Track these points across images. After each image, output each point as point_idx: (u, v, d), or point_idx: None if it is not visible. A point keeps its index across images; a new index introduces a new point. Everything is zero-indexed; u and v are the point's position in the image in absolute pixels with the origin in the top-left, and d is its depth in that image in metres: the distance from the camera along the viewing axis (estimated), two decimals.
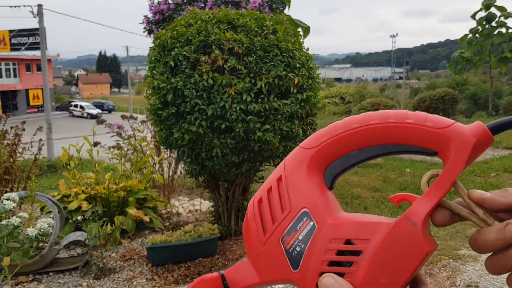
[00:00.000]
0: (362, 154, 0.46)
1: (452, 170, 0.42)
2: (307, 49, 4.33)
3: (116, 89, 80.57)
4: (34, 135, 6.00)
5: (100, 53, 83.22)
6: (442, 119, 0.43)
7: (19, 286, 3.42)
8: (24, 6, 13.91)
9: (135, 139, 5.57)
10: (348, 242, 0.44)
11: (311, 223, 0.45)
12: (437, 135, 0.43)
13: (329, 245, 0.44)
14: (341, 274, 0.43)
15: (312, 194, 0.47)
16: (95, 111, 34.21)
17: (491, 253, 0.42)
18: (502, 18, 7.44)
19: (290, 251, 0.45)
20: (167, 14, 6.06)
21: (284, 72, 3.84)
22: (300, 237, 0.45)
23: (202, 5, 5.72)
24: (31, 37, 20.99)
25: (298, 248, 0.45)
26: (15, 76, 33.06)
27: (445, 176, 0.42)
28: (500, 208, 0.42)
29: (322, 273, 0.44)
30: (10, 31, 21.48)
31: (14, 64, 32.77)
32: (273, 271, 0.47)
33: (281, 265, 0.46)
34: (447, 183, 0.42)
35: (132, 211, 4.47)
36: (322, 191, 0.47)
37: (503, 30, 7.42)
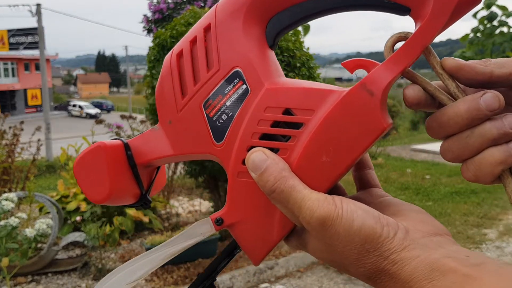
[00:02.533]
0: (317, 3, 0.37)
1: (426, 32, 0.34)
2: (308, 48, 4.31)
3: (115, 89, 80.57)
4: (32, 135, 5.97)
5: (99, 52, 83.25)
6: None
7: (18, 287, 3.39)
8: (23, 5, 13.89)
9: None
10: (287, 112, 0.36)
11: (244, 86, 0.37)
12: None
13: (264, 114, 0.36)
14: (274, 150, 0.36)
15: (248, 50, 0.37)
16: (94, 111, 34.19)
17: (448, 136, 0.36)
18: (503, 18, 7.41)
19: (214, 119, 0.38)
20: (167, 13, 6.04)
21: (284, 72, 3.80)
22: (227, 103, 0.37)
23: (202, 4, 5.70)
24: (30, 36, 20.98)
25: (224, 116, 0.37)
26: (13, 75, 33.02)
27: (416, 39, 0.34)
28: (478, 79, 0.35)
29: (252, 147, 0.36)
30: (9, 31, 21.46)
31: (12, 64, 32.73)
32: (190, 142, 0.39)
33: (201, 135, 0.38)
34: (417, 48, 0.34)
35: (131, 211, 4.46)
36: (261, 49, 0.38)
37: (505, 29, 7.39)
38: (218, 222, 0.39)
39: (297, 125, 0.36)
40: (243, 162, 0.37)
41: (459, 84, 0.36)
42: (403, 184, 6.60)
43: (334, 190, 0.40)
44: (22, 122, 5.86)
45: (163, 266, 3.85)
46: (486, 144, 0.34)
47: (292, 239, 0.39)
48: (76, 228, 4.37)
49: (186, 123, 0.39)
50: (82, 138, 5.21)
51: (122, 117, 5.92)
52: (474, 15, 7.74)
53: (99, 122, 5.40)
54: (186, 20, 4.21)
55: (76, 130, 18.29)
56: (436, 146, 8.36)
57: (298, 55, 4.15)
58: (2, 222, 2.97)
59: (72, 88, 70.79)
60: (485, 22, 7.63)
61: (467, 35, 7.86)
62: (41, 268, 3.65)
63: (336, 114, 0.35)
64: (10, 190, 5.04)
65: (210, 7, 5.17)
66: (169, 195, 5.88)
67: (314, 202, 0.34)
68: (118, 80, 78.83)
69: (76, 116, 34.41)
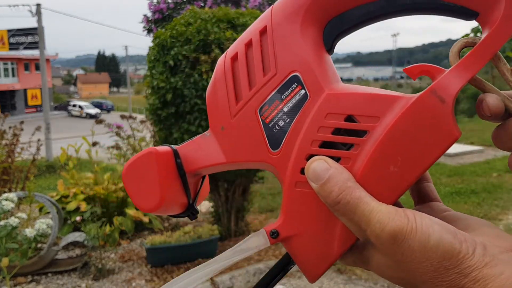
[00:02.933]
0: (381, 6, 0.35)
1: (497, 38, 0.32)
2: None
3: (115, 89, 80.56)
4: (32, 135, 5.97)
5: (99, 52, 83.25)
6: None
7: (18, 287, 3.39)
8: (23, 5, 13.88)
9: (134, 139, 5.54)
10: (350, 119, 0.34)
11: (302, 91, 0.35)
12: None
13: (324, 121, 0.34)
14: (335, 159, 0.34)
15: (306, 54, 0.35)
16: (94, 111, 34.19)
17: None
18: None
19: (270, 125, 0.36)
20: (167, 13, 6.03)
21: None
22: (285, 109, 0.35)
23: (202, 4, 5.70)
24: (30, 36, 20.98)
25: (281, 123, 0.35)
26: (13, 75, 33.02)
27: (486, 45, 0.32)
28: None
29: (311, 156, 0.34)
30: (9, 31, 21.46)
31: (12, 64, 32.73)
32: (244, 150, 0.37)
33: (256, 143, 0.36)
34: (487, 55, 0.32)
35: (131, 211, 4.46)
36: (319, 53, 0.36)
37: None
38: (274, 235, 0.37)
39: (360, 133, 0.34)
40: (302, 172, 0.35)
41: None
42: None
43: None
44: (22, 122, 5.86)
45: (162, 266, 3.85)
46: None
47: (350, 254, 0.37)
48: (76, 228, 4.36)
49: (240, 129, 0.37)
50: (82, 138, 5.21)
51: (122, 117, 5.91)
52: None
53: (99, 122, 5.40)
54: (186, 20, 4.20)
55: (76, 130, 18.29)
56: None
57: None
58: (2, 222, 2.97)
59: (72, 88, 70.77)
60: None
61: (467, 35, 7.88)
62: (41, 268, 3.64)
63: (404, 121, 0.32)
64: (10, 190, 5.04)
65: (210, 7, 5.17)
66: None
67: (385, 215, 0.31)
68: (118, 80, 78.81)
69: (76, 116, 34.40)
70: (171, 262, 3.82)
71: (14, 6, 14.91)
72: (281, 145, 0.36)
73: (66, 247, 4.19)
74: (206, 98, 0.39)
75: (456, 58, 0.34)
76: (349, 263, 0.37)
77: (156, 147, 0.37)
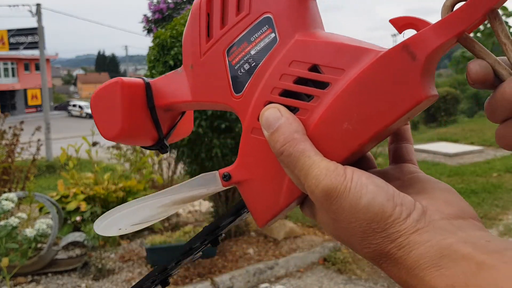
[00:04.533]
0: None
1: None
2: None
3: None
4: (32, 135, 5.97)
5: (99, 52, 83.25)
6: None
7: (18, 287, 3.39)
8: (23, 5, 13.89)
9: None
10: (314, 68, 0.32)
11: (272, 35, 0.34)
12: None
13: (288, 68, 0.33)
14: (294, 109, 0.33)
15: None
16: None
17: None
18: (504, 17, 7.47)
19: (235, 67, 0.35)
20: (167, 13, 6.03)
21: None
22: (252, 52, 0.34)
23: None
24: (30, 36, 20.97)
25: (246, 66, 0.34)
26: (13, 75, 33.02)
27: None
28: None
29: (270, 103, 0.34)
30: (9, 31, 21.46)
31: (12, 64, 32.73)
32: (209, 90, 0.36)
33: (220, 84, 0.35)
34: (481, 9, 0.29)
35: None
36: None
37: None
38: (226, 177, 0.37)
39: (323, 85, 0.32)
40: (259, 118, 0.34)
41: None
42: None
43: (364, 162, 0.38)
44: (22, 122, 5.86)
45: None
46: None
47: (305, 206, 0.36)
48: (76, 228, 4.36)
49: (207, 69, 0.36)
50: (82, 138, 5.21)
51: None
52: None
53: None
54: (186, 20, 4.20)
55: (76, 130, 18.28)
56: (436, 146, 8.36)
57: None
58: (2, 222, 2.97)
59: (72, 88, 70.75)
60: (486, 22, 7.63)
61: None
62: (41, 268, 3.64)
63: (367, 76, 0.30)
64: (10, 190, 5.04)
65: None
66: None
67: (322, 171, 0.30)
68: None
69: (76, 116, 34.39)
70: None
71: (14, 6, 14.91)
72: (243, 89, 0.35)
73: (66, 247, 4.19)
74: (183, 34, 0.38)
75: (448, 13, 0.30)
76: (307, 214, 0.37)
77: (126, 78, 0.38)
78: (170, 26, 4.23)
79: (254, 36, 0.34)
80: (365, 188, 0.30)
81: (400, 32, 0.32)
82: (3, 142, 5.57)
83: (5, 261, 2.88)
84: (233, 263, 3.65)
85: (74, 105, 36.07)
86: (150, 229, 4.69)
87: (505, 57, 0.31)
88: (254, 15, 0.34)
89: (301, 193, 0.35)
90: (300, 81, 0.33)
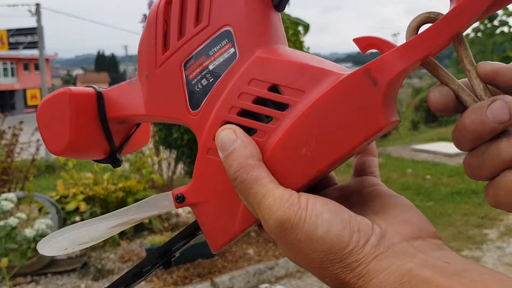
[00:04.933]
0: None
1: (462, 15, 0.27)
2: (308, 48, 4.30)
3: None
4: (32, 135, 5.96)
5: (98, 52, 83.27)
6: None
7: (17, 287, 3.38)
8: (22, 5, 13.88)
9: None
10: (274, 88, 0.31)
11: (232, 49, 0.32)
12: None
13: (247, 87, 0.31)
14: (251, 130, 0.32)
15: (244, 7, 0.32)
16: None
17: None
18: (504, 17, 7.44)
19: (193, 82, 0.33)
20: None
21: None
22: (210, 66, 0.32)
23: None
24: (29, 36, 20.95)
25: (204, 81, 0.32)
26: (12, 75, 33.03)
27: (447, 22, 0.27)
28: None
29: (227, 123, 0.32)
30: (8, 30, 21.43)
31: (11, 64, 32.74)
32: (164, 104, 0.34)
33: (176, 99, 0.33)
34: (446, 33, 0.27)
35: None
36: (263, 8, 0.32)
37: (505, 29, 7.43)
38: (179, 199, 0.35)
39: (283, 106, 0.31)
40: (215, 138, 0.32)
41: (488, 86, 0.30)
42: (403, 185, 6.59)
43: (324, 179, 0.37)
44: (21, 122, 5.85)
45: None
46: (502, 166, 0.28)
47: (264, 230, 0.35)
48: None
49: (162, 82, 0.34)
50: None
51: None
52: None
53: None
54: None
55: None
56: (436, 146, 8.35)
57: None
58: (2, 222, 2.96)
59: None
60: (486, 21, 7.64)
61: (467, 34, 7.88)
62: (41, 268, 3.63)
63: (327, 100, 0.29)
64: (9, 190, 5.03)
65: None
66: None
67: (276, 201, 0.29)
68: (117, 80, 78.80)
69: None
70: None
71: (13, 6, 14.90)
72: (200, 106, 0.33)
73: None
74: (138, 44, 0.36)
75: (413, 35, 0.30)
76: (265, 237, 0.35)
77: (75, 87, 0.35)
78: None
79: (213, 50, 0.32)
80: (320, 217, 0.29)
81: (363, 52, 0.31)
82: (3, 142, 5.56)
83: (5, 261, 2.88)
84: (233, 263, 3.64)
85: None
86: (150, 230, 4.68)
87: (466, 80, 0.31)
88: (213, 27, 0.32)
89: (256, 219, 0.34)
90: (259, 100, 0.31)
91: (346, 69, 0.31)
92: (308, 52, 4.24)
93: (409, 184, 7.21)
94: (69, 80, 77.08)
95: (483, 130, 0.28)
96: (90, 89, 0.36)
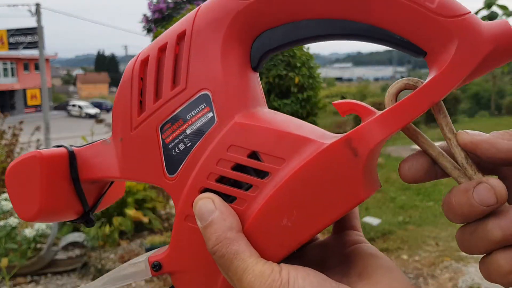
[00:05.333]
0: (316, 27, 0.30)
1: (440, 86, 0.27)
2: (308, 48, 4.31)
3: (114, 89, 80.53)
4: (32, 135, 5.96)
5: (98, 52, 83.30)
6: (451, 2, 0.28)
7: (17, 287, 3.38)
8: (22, 5, 13.88)
9: None
10: (254, 155, 0.30)
11: (210, 114, 0.31)
12: (436, 25, 0.27)
13: (226, 153, 0.30)
14: (230, 198, 0.31)
15: (223, 70, 0.31)
16: (93, 110, 34.18)
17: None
18: (504, 17, 7.44)
19: (169, 147, 0.32)
20: (166, 12, 6.03)
21: (284, 72, 3.82)
22: (188, 131, 0.31)
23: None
24: (29, 36, 20.95)
25: (181, 146, 0.31)
26: (12, 75, 33.05)
27: (426, 92, 0.28)
28: (500, 157, 0.28)
29: (205, 190, 0.31)
30: (8, 30, 21.43)
31: (11, 64, 32.76)
32: (139, 168, 0.33)
33: (152, 163, 0.32)
34: (425, 103, 0.28)
35: (131, 212, 4.45)
36: (241, 71, 0.32)
37: None
38: (156, 267, 0.34)
39: (262, 174, 0.30)
40: (192, 206, 0.31)
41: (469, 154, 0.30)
42: (403, 185, 6.59)
43: None
44: (21, 122, 5.85)
45: None
46: (491, 246, 0.28)
47: None
48: (76, 228, 4.36)
49: (138, 145, 0.33)
50: (81, 138, 5.20)
51: None
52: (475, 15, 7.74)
53: (99, 122, 5.39)
54: None
55: (76, 130, 18.27)
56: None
57: (298, 55, 4.15)
58: (2, 223, 2.96)
59: (71, 88, 70.78)
60: (485, 21, 7.63)
61: None
62: (41, 268, 3.64)
63: (308, 170, 0.29)
64: None
65: None
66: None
67: (257, 278, 0.28)
68: (117, 80, 78.65)
69: (76, 116, 34.39)
70: None
71: (13, 6, 14.91)
72: (178, 171, 0.32)
73: (65, 248, 4.18)
74: (113, 102, 0.34)
75: (392, 101, 0.30)
76: None
77: (45, 150, 0.34)
78: (169, 26, 4.24)
79: (190, 114, 0.31)
80: None
81: (343, 116, 0.31)
82: (3, 142, 5.57)
83: (5, 261, 2.88)
84: None
85: (73, 105, 36.06)
86: (150, 230, 4.69)
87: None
88: (190, 90, 0.31)
89: None
90: (238, 167, 0.30)
91: (325, 134, 0.31)
92: (308, 52, 4.22)
93: (409, 184, 7.19)
94: (69, 80, 77.10)
95: (470, 213, 0.28)
96: (62, 150, 0.35)
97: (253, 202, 0.30)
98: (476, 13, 7.66)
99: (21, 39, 22.24)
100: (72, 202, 0.35)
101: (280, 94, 3.93)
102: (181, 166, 0.32)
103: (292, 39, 0.31)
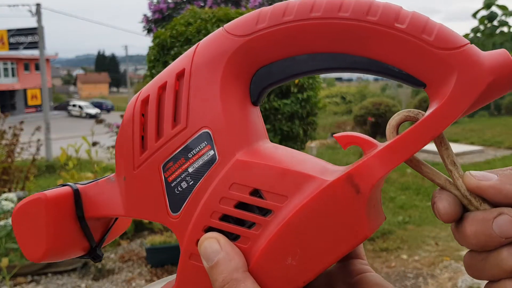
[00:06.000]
0: (315, 61, 0.30)
1: (441, 119, 0.27)
2: None
3: (115, 89, 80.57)
4: (32, 135, 5.97)
5: (98, 52, 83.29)
6: (450, 34, 0.28)
7: (18, 287, 3.39)
8: (23, 5, 13.89)
9: None
10: (256, 193, 0.30)
11: (211, 152, 0.31)
12: (435, 58, 0.27)
13: (228, 191, 0.30)
14: (233, 236, 0.31)
15: (223, 108, 0.31)
16: (93, 110, 34.18)
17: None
18: (503, 17, 7.44)
19: (172, 185, 0.32)
20: (167, 13, 6.04)
21: None
22: (190, 169, 0.31)
23: (202, 4, 5.70)
24: (30, 36, 20.96)
25: (184, 184, 0.32)
26: (13, 75, 33.05)
27: (427, 126, 0.28)
28: (508, 203, 0.27)
29: (209, 228, 0.31)
30: (8, 31, 21.44)
31: (12, 64, 32.76)
32: (143, 207, 0.33)
33: (156, 202, 0.32)
34: (427, 137, 0.28)
35: None
36: (241, 107, 0.32)
37: (505, 29, 7.43)
38: None
39: (265, 211, 0.30)
40: (198, 244, 0.31)
41: None
42: (403, 184, 6.60)
43: None
44: (22, 122, 5.86)
45: (162, 266, 3.84)
46: (503, 275, 0.27)
47: None
48: None
49: (141, 183, 0.33)
50: (82, 138, 5.21)
51: (122, 117, 5.90)
52: (474, 15, 7.75)
53: (99, 122, 5.39)
54: (186, 20, 4.20)
55: (76, 130, 18.27)
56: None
57: None
58: (2, 222, 2.97)
59: (72, 88, 70.77)
60: (485, 22, 7.64)
61: (467, 35, 7.86)
62: (41, 268, 3.64)
63: (310, 208, 0.28)
64: (10, 190, 5.04)
65: (210, 7, 5.17)
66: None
67: None
68: (118, 80, 78.77)
69: (76, 116, 34.39)
70: (171, 262, 3.81)
71: (14, 6, 14.92)
72: (181, 209, 0.32)
73: None
74: (115, 142, 0.35)
75: (393, 133, 0.30)
76: None
77: (49, 191, 0.34)
78: (170, 26, 4.23)
79: (192, 152, 0.31)
80: None
81: (344, 148, 0.31)
82: (3, 142, 5.57)
83: (5, 261, 2.88)
84: None
85: (74, 105, 36.06)
86: (150, 229, 4.69)
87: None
88: (191, 129, 0.31)
89: None
90: (241, 205, 0.30)
91: (326, 168, 0.31)
92: None
93: (409, 184, 7.21)
94: (70, 80, 77.10)
95: (487, 243, 0.27)
96: (67, 189, 0.35)
97: (257, 240, 0.30)
98: (476, 13, 7.66)
99: (22, 39, 22.23)
100: (79, 240, 0.35)
101: (280, 94, 3.94)
102: (184, 205, 0.32)
103: (291, 73, 0.31)
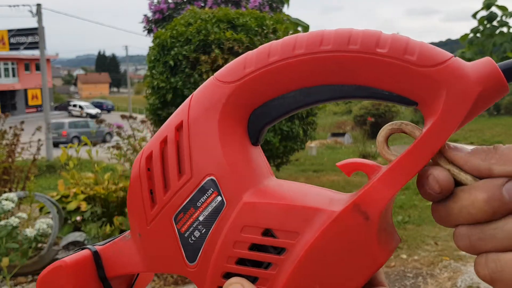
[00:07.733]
0: (308, 95, 0.31)
1: (438, 133, 0.28)
2: None
3: (115, 89, 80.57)
4: (33, 135, 5.98)
5: (99, 52, 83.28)
6: (432, 51, 0.28)
7: (18, 286, 3.39)
8: (23, 5, 13.90)
9: (135, 139, 5.55)
10: (268, 232, 0.30)
11: (219, 198, 0.31)
12: (421, 76, 0.28)
13: (240, 234, 0.30)
14: (252, 278, 0.31)
15: (224, 154, 0.32)
16: (94, 110, 34.24)
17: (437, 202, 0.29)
18: (503, 18, 7.44)
19: (186, 235, 0.32)
20: (167, 13, 6.04)
21: None
22: (200, 218, 0.32)
23: (202, 4, 5.71)
24: (30, 36, 20.96)
25: (197, 233, 0.32)
26: (14, 75, 33.06)
27: (425, 143, 0.28)
28: (474, 175, 0.28)
29: (227, 274, 0.31)
30: (9, 31, 21.45)
31: (12, 64, 32.77)
32: (161, 260, 0.34)
33: (172, 254, 0.33)
34: (426, 154, 0.28)
35: None
36: (242, 150, 0.33)
37: (505, 29, 7.43)
38: None
39: (279, 250, 0.30)
40: None
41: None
42: None
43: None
44: (22, 122, 5.87)
45: None
46: (507, 245, 0.26)
47: None
48: (77, 228, 4.37)
49: (156, 238, 0.33)
50: (82, 138, 5.21)
51: (122, 117, 5.92)
52: (474, 15, 7.75)
53: (100, 122, 5.40)
54: (186, 20, 4.21)
55: None
56: None
57: None
58: (3, 222, 2.98)
59: (72, 88, 70.78)
60: (485, 22, 7.64)
61: (466, 35, 7.86)
62: (42, 268, 3.64)
63: (323, 242, 0.29)
64: (10, 190, 5.04)
65: (210, 7, 5.18)
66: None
67: None
68: (118, 80, 78.77)
69: (77, 116, 34.39)
70: None
71: (14, 6, 14.92)
72: (197, 258, 0.32)
73: (66, 247, 4.19)
74: (127, 200, 0.35)
75: (384, 148, 0.30)
76: None
77: (70, 257, 0.34)
78: (170, 26, 4.24)
79: (200, 201, 0.32)
80: None
81: (348, 175, 0.31)
82: (4, 142, 5.58)
83: (6, 261, 2.89)
84: None
85: (74, 105, 36.12)
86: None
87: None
88: (197, 178, 0.32)
89: None
90: (255, 247, 0.31)
91: (332, 197, 0.31)
92: None
93: (408, 184, 7.17)
94: (70, 80, 77.10)
95: (498, 211, 0.27)
96: (86, 252, 0.35)
97: (275, 281, 0.30)
98: (476, 13, 7.65)
99: (22, 39, 22.21)
100: None
101: None
102: (199, 253, 0.32)
103: (285, 110, 0.32)
